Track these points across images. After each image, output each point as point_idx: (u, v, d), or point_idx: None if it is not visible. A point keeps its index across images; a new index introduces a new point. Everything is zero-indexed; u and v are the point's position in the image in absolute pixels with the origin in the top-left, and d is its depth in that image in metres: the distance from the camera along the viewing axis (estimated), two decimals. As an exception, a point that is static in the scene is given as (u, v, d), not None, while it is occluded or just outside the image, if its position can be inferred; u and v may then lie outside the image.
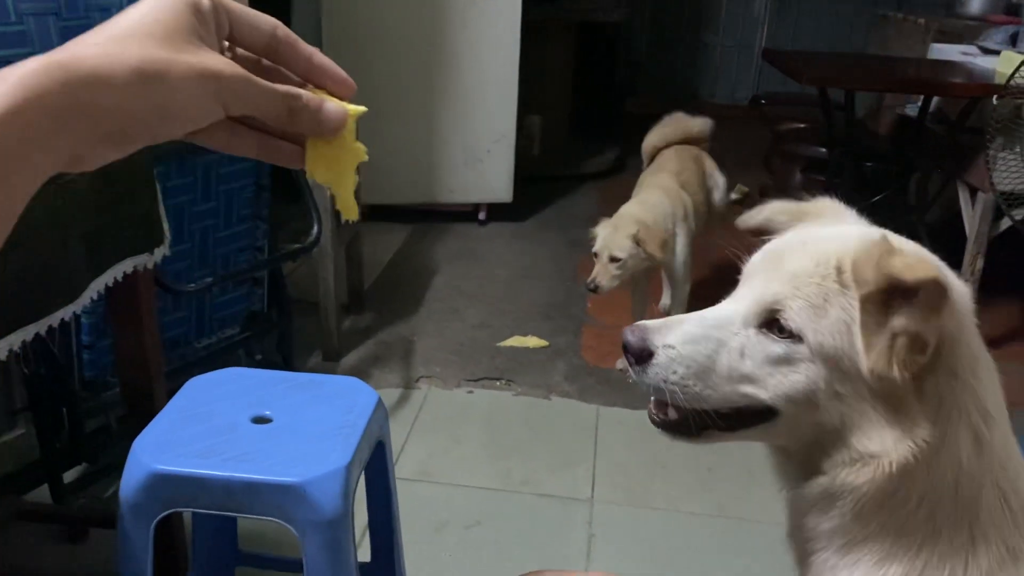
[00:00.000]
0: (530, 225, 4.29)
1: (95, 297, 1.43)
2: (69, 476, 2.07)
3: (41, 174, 0.50)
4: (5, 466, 2.04)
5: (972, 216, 3.01)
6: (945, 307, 0.75)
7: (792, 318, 0.80)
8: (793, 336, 0.80)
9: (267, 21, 0.62)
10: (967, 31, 3.83)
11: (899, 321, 0.76)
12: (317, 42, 3.54)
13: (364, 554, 1.60)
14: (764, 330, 0.82)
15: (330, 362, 2.86)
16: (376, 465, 1.48)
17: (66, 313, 1.35)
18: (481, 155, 4.03)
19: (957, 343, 0.79)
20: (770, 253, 0.87)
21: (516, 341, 3.11)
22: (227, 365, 1.56)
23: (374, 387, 1.48)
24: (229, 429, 1.34)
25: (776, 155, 4.26)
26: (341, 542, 1.26)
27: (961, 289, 0.83)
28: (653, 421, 0.88)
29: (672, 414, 0.87)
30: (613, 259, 2.67)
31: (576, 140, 5.33)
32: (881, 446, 0.77)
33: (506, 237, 4.13)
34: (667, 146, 3.24)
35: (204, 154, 2.14)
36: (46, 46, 1.98)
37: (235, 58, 0.61)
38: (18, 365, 1.88)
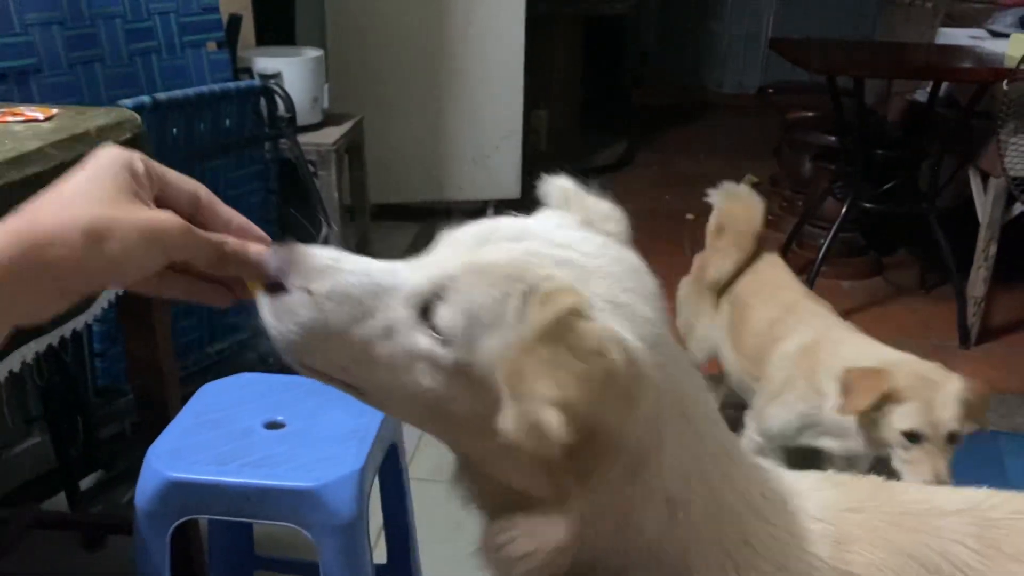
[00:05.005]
0: (539, 220, 4.28)
1: (106, 306, 1.43)
2: (85, 483, 2.08)
3: (2, 331, 0.56)
4: (22, 475, 2.05)
5: (984, 202, 2.98)
6: (620, 396, 0.60)
7: (447, 318, 0.65)
8: (445, 338, 0.65)
9: (191, 184, 0.68)
10: (976, 14, 3.79)
11: (547, 386, 0.59)
12: (321, 42, 3.53)
13: (380, 556, 1.60)
14: (423, 316, 0.66)
15: (342, 363, 2.86)
16: (390, 467, 1.48)
17: (78, 323, 1.35)
18: (489, 151, 4.02)
19: (628, 431, 0.64)
20: (481, 230, 0.70)
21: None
22: (239, 370, 1.57)
23: (387, 389, 1.48)
24: (243, 435, 1.34)
25: (786, 144, 4.23)
26: (357, 545, 1.26)
27: (663, 376, 0.66)
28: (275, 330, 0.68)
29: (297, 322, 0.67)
30: (953, 437, 1.76)
31: (584, 133, 5.31)
32: (533, 524, 0.66)
33: (515, 233, 4.11)
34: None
35: (211, 159, 2.15)
36: (52, 56, 1.99)
37: None
38: (32, 375, 1.89)
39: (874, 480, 0.80)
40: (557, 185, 0.77)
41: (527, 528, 0.66)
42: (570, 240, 0.69)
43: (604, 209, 0.77)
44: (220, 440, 1.32)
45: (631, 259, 0.72)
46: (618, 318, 0.64)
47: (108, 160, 0.62)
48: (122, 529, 1.79)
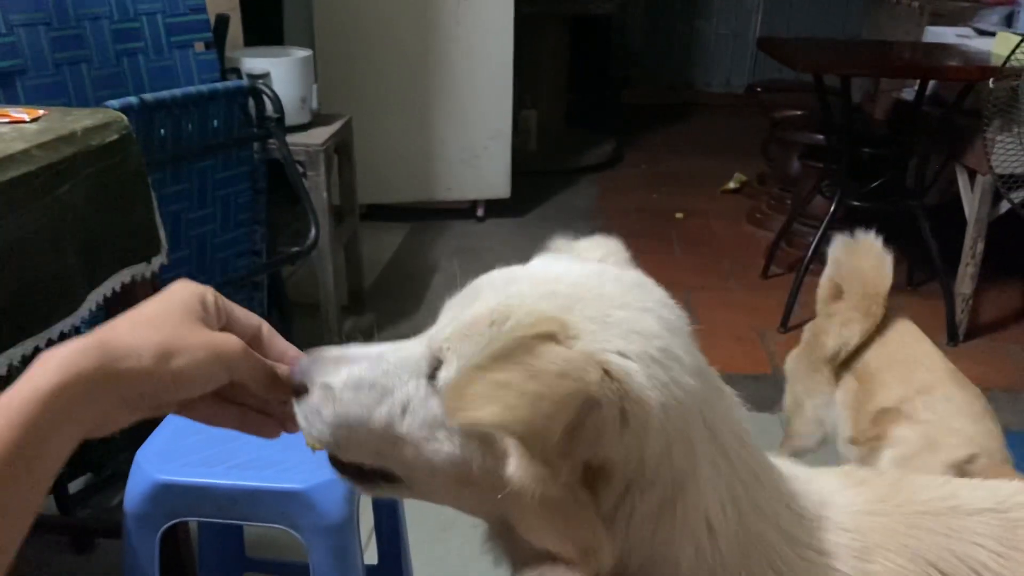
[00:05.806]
0: (529, 220, 4.28)
1: (93, 308, 1.42)
2: (74, 486, 2.08)
3: (72, 441, 0.60)
4: (10, 478, 2.04)
5: (971, 199, 3.00)
6: (612, 422, 0.59)
7: (447, 379, 0.66)
8: None
9: (255, 319, 0.75)
10: (962, 13, 3.81)
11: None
12: (309, 42, 3.53)
13: (371, 557, 1.60)
14: (432, 383, 0.68)
15: (332, 364, 2.85)
16: (380, 468, 1.48)
17: (65, 325, 1.34)
18: (478, 151, 4.02)
19: (649, 457, 0.61)
20: (471, 288, 0.71)
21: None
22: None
23: (376, 390, 1.48)
24: (232, 437, 1.32)
25: (773, 143, 4.24)
26: (347, 547, 1.26)
27: (678, 392, 0.62)
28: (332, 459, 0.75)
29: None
30: None
31: (573, 133, 5.32)
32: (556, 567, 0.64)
33: (505, 233, 4.12)
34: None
35: (199, 160, 2.14)
36: (38, 57, 1.98)
37: None
38: (19, 377, 1.88)
39: (895, 475, 0.79)
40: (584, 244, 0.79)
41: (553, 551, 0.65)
42: (557, 273, 0.69)
43: (611, 247, 0.78)
44: (209, 442, 1.32)
45: (631, 277, 0.70)
46: (609, 336, 0.62)
47: (182, 291, 0.70)
48: (111, 532, 1.79)
